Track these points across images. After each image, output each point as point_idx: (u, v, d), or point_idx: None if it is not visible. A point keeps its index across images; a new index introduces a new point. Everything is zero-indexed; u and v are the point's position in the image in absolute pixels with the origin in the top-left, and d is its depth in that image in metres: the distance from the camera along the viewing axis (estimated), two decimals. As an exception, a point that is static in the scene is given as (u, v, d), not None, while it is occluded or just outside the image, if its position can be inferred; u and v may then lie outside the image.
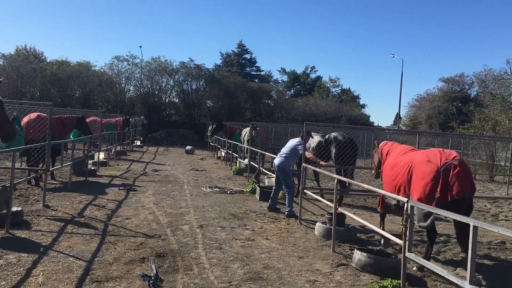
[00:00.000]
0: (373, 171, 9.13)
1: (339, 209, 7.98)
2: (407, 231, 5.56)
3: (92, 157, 17.27)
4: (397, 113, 71.50)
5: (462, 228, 6.56)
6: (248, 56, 69.49)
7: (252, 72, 69.61)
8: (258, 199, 11.89)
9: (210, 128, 32.46)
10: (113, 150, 20.86)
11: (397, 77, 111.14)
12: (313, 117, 41.46)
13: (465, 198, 6.58)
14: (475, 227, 4.35)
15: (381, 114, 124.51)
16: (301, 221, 9.44)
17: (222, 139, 23.42)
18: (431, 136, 29.24)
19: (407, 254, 5.54)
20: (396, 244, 6.92)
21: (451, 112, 37.15)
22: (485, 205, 13.85)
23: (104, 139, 20.71)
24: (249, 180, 13.66)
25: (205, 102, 44.33)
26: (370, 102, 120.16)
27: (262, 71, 70.17)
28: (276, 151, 22.39)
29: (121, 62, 41.92)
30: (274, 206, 10.56)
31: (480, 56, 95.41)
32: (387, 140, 10.23)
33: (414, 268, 6.64)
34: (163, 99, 43.21)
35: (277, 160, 10.48)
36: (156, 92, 42.42)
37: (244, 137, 19.63)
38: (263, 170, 13.29)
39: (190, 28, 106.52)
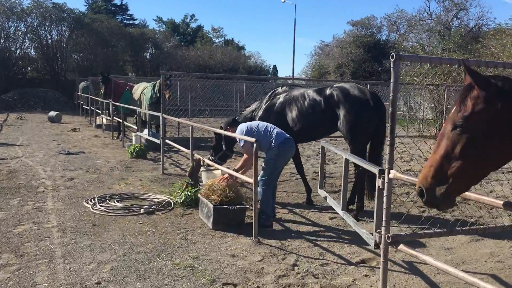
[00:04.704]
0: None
1: None
2: None
3: None
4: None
5: None
6: (118, 2, 60.35)
7: (125, 21, 60.50)
8: (210, 226, 5.75)
9: (83, 85, 24.67)
10: None
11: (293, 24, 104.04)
12: (208, 69, 35.15)
13: None
14: None
15: (282, 65, 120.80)
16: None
17: (103, 100, 16.21)
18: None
19: None
20: None
21: (362, 59, 33.47)
22: None
23: None
24: (182, 181, 7.27)
25: (71, 54, 35.13)
26: (265, 52, 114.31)
27: (136, 19, 61.72)
28: (177, 114, 16.02)
29: None
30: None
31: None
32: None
33: None
34: (13, 50, 33.15)
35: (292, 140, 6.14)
36: (2, 41, 32.21)
37: (144, 95, 12.93)
38: (205, 160, 7.04)
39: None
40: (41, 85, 31.59)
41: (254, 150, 5.04)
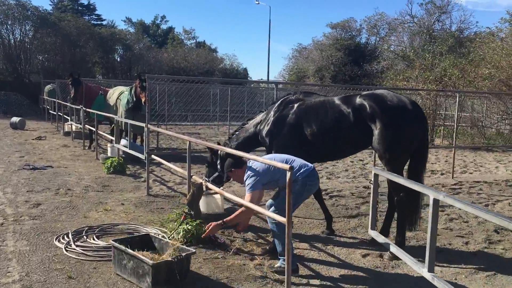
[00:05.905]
0: None
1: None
2: None
3: None
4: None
5: None
6: (85, 1, 58.11)
7: (92, 22, 58.36)
8: None
9: (48, 88, 22.80)
10: None
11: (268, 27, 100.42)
12: (183, 72, 33.65)
13: None
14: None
15: (254, 69, 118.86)
16: None
17: (71, 105, 14.62)
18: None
19: None
20: None
21: (343, 63, 32.56)
22: None
23: None
24: (180, 210, 5.90)
25: (35, 55, 32.91)
26: (239, 55, 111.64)
27: (104, 20, 59.46)
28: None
29: None
30: None
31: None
32: None
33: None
34: (-28, 50, 30.80)
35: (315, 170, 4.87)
36: (-41, 40, 29.85)
37: (121, 101, 11.49)
38: (207, 185, 5.72)
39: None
40: (3, 88, 29.37)
41: (288, 180, 3.79)
